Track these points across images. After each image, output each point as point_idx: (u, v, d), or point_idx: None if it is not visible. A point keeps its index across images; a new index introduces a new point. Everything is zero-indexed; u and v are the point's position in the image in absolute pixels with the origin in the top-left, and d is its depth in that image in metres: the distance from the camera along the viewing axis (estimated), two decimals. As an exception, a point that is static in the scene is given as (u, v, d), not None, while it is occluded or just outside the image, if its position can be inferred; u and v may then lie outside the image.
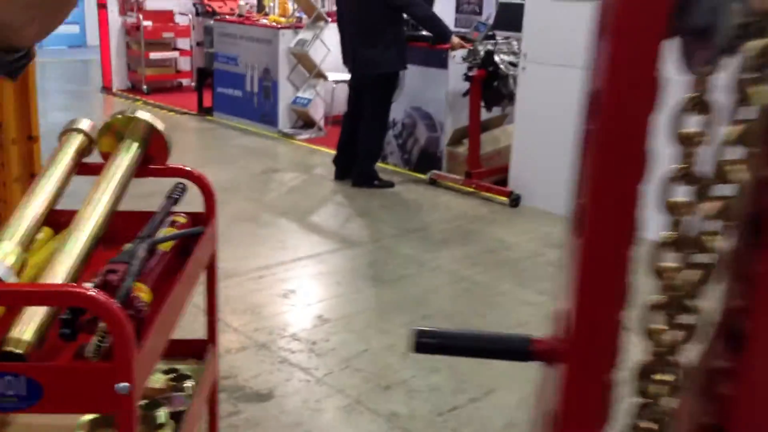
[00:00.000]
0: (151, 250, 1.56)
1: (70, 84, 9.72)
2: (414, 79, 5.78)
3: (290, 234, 4.86)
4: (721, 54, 0.56)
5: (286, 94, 6.99)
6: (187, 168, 1.81)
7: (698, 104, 0.61)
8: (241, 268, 4.21)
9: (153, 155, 1.79)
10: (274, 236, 4.77)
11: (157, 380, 1.82)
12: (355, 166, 5.55)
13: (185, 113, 7.92)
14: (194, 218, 1.81)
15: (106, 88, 8.84)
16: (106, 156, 1.75)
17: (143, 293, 1.39)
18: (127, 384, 1.17)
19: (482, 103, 5.38)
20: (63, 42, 12.53)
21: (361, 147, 5.47)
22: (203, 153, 6.91)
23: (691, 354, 0.68)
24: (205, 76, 7.75)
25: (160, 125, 1.78)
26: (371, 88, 5.30)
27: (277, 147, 6.90)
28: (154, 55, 8.51)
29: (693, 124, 0.61)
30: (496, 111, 5.66)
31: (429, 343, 0.74)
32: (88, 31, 11.28)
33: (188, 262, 1.55)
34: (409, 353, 3.38)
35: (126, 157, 1.70)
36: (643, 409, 0.71)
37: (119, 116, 1.76)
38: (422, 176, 5.84)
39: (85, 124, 1.77)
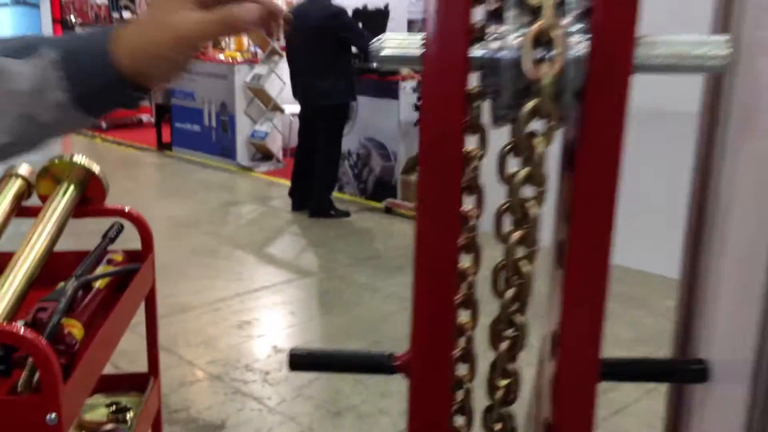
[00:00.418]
0: (86, 288, 1.64)
1: (28, 123, 9.73)
2: (366, 110, 5.92)
3: (247, 266, 4.94)
4: (509, 110, 0.68)
5: (243, 128, 7.09)
6: (124, 208, 1.90)
7: (514, 147, 0.73)
8: (197, 301, 4.28)
9: (91, 196, 1.88)
10: (231, 268, 4.84)
11: (99, 413, 1.89)
12: (312, 197, 5.66)
13: (145, 149, 7.98)
14: (131, 256, 1.90)
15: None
16: (45, 198, 1.83)
17: (75, 329, 1.48)
18: (55, 415, 1.25)
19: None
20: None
21: (316, 178, 5.58)
22: (163, 188, 6.97)
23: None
24: (163, 112, 7.83)
25: (96, 168, 1.86)
26: (323, 119, 5.42)
27: (236, 180, 6.98)
28: (112, 93, 8.58)
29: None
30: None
31: (302, 361, 0.84)
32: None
33: (121, 298, 1.63)
34: (361, 380, 3.47)
35: (63, 199, 1.79)
36: (489, 411, 0.82)
37: (56, 160, 1.85)
38: (378, 204, 5.96)
39: (23, 169, 1.85)
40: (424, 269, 0.75)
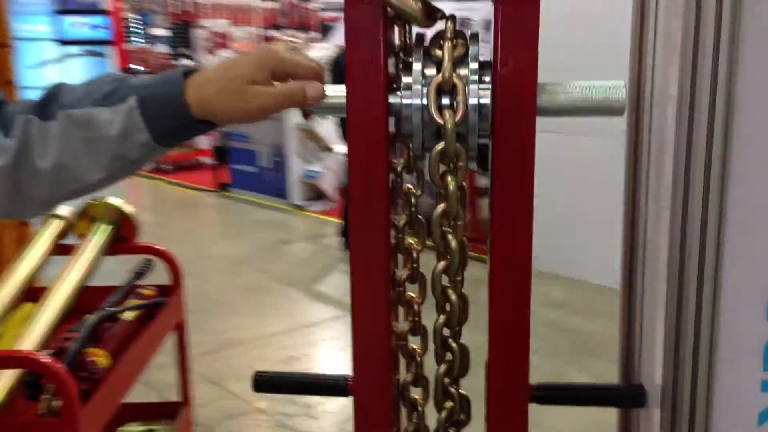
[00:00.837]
0: (114, 319, 1.77)
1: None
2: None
3: (297, 303, 5.05)
4: (424, 151, 0.76)
5: (296, 168, 7.29)
6: (153, 245, 2.03)
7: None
8: (247, 336, 4.40)
9: (124, 235, 2.02)
10: (282, 305, 4.96)
11: (132, 433, 2.01)
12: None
13: (205, 190, 8.26)
14: (163, 290, 2.02)
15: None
16: (83, 237, 1.98)
17: (100, 357, 1.60)
18: (73, 435, 1.36)
19: (479, 170, 5.58)
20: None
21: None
22: (219, 227, 7.20)
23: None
24: (222, 154, 8.11)
25: (128, 209, 2.01)
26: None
27: (289, 219, 7.16)
28: (175, 136, 8.94)
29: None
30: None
31: (266, 382, 0.93)
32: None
33: (145, 330, 1.75)
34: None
35: (97, 238, 1.93)
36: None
37: (93, 202, 2.00)
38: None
39: (64, 210, 2.01)
40: (359, 302, 0.82)
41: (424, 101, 0.73)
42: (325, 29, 8.78)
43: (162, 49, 9.42)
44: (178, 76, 0.84)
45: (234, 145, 7.85)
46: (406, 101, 0.75)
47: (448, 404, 0.88)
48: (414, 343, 0.92)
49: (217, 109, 0.82)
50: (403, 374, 0.92)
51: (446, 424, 0.88)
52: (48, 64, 12.73)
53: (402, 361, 0.92)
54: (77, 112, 0.81)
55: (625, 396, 0.83)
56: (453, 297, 0.81)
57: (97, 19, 12.43)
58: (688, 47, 0.73)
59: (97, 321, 1.61)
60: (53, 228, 1.97)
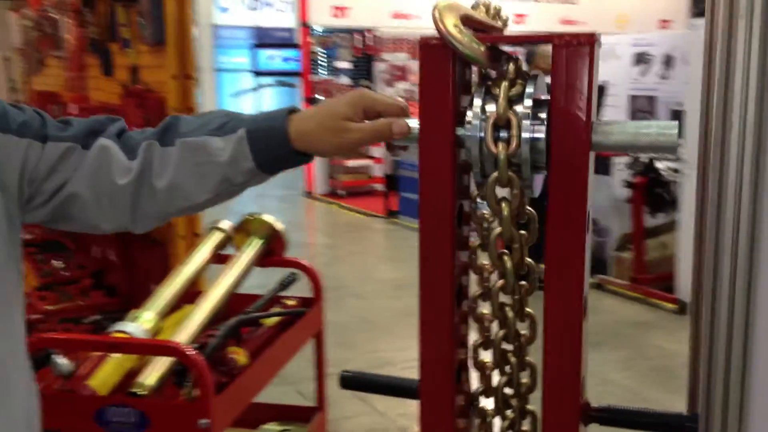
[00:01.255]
0: (256, 324, 1.96)
1: (280, 189, 10.88)
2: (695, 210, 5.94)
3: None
4: (484, 179, 0.84)
5: (462, 198, 7.41)
6: (298, 260, 2.22)
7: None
8: (400, 358, 4.54)
9: (274, 249, 2.22)
10: (434, 331, 5.06)
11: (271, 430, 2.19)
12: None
13: (374, 216, 8.58)
14: (305, 302, 2.20)
15: (309, 193, 9.82)
16: (238, 249, 2.21)
17: (239, 356, 1.78)
18: (207, 420, 1.54)
19: (647, 209, 5.42)
20: (280, 151, 14.04)
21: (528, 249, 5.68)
22: (385, 252, 7.44)
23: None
24: (392, 182, 8.40)
25: (279, 226, 2.21)
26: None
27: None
28: (351, 163, 9.37)
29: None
30: (666, 217, 5.64)
31: (350, 380, 1.04)
32: (300, 142, 12.57)
33: (281, 335, 1.92)
34: None
35: (250, 250, 2.14)
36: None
37: (250, 218, 2.22)
38: (590, 280, 5.89)
39: (224, 224, 2.24)
40: (426, 315, 0.91)
41: (482, 134, 0.82)
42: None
43: (344, 80, 9.93)
44: (283, 113, 0.97)
45: (404, 174, 8.11)
46: (468, 133, 0.84)
47: (510, 414, 0.94)
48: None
49: (315, 141, 0.95)
50: (476, 385, 0.99)
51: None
52: (245, 93, 13.83)
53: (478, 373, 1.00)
54: (193, 139, 0.97)
55: (676, 425, 0.85)
56: (510, 313, 0.88)
57: (289, 53, 13.36)
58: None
59: (238, 323, 1.80)
60: (215, 239, 2.20)
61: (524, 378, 0.95)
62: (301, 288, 2.28)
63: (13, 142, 0.96)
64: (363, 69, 10.02)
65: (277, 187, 11.07)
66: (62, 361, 1.66)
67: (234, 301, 2.03)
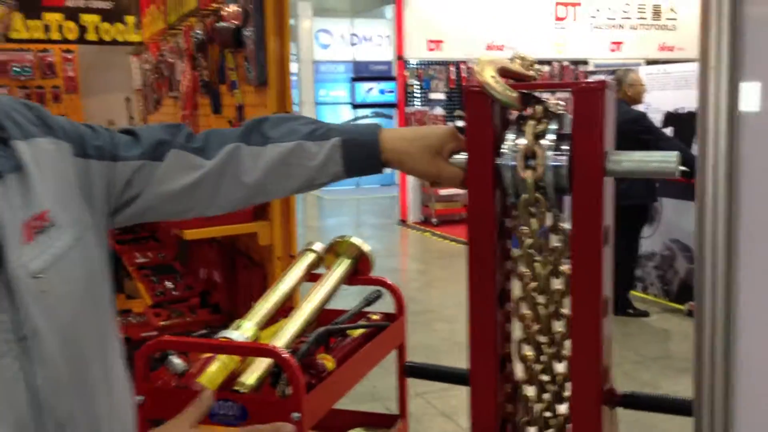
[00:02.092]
0: (343, 334, 2.18)
1: (375, 217, 11.21)
2: (671, 212, 5.93)
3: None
4: (516, 200, 1.03)
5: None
6: (384, 279, 2.42)
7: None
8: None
9: (361, 269, 2.43)
10: (522, 356, 5.17)
11: (355, 438, 2.39)
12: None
13: (466, 243, 8.73)
14: (388, 317, 2.40)
15: (403, 221, 10.09)
16: (328, 268, 2.44)
17: (327, 361, 2.00)
18: (298, 414, 1.76)
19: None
20: (377, 181, 14.42)
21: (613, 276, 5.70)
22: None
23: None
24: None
25: (366, 248, 2.42)
26: (621, 219, 5.53)
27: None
28: (443, 192, 9.59)
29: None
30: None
31: (413, 370, 1.23)
32: (395, 171, 12.91)
33: (365, 346, 2.13)
34: None
35: (339, 269, 2.37)
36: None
37: (339, 240, 2.45)
38: (680, 307, 5.85)
39: (317, 246, 2.48)
40: (474, 314, 1.10)
41: (514, 163, 1.01)
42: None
43: (439, 111, 10.19)
44: (374, 128, 1.14)
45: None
46: (504, 162, 1.03)
47: (547, 398, 1.12)
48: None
49: (406, 161, 1.12)
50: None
51: (542, 415, 1.11)
52: (342, 125, 14.30)
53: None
54: (286, 144, 1.12)
55: (685, 409, 1.00)
56: (543, 311, 1.06)
57: (385, 85, 13.76)
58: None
59: (326, 332, 2.02)
60: (308, 260, 2.44)
61: (561, 369, 1.12)
62: (386, 305, 2.49)
63: (95, 166, 1.05)
64: (457, 100, 10.25)
65: (372, 216, 11.41)
66: (177, 361, 1.92)
67: (323, 315, 2.26)
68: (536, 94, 1.05)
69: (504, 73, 1.04)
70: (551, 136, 1.00)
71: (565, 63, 10.94)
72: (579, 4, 11.03)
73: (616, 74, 5.87)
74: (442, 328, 5.54)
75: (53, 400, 0.92)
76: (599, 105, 0.97)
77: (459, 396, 4.37)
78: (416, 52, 10.11)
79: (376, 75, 14.30)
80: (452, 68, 10.27)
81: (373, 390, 3.98)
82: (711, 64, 0.84)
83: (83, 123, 1.08)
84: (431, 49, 10.20)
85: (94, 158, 1.05)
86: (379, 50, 14.43)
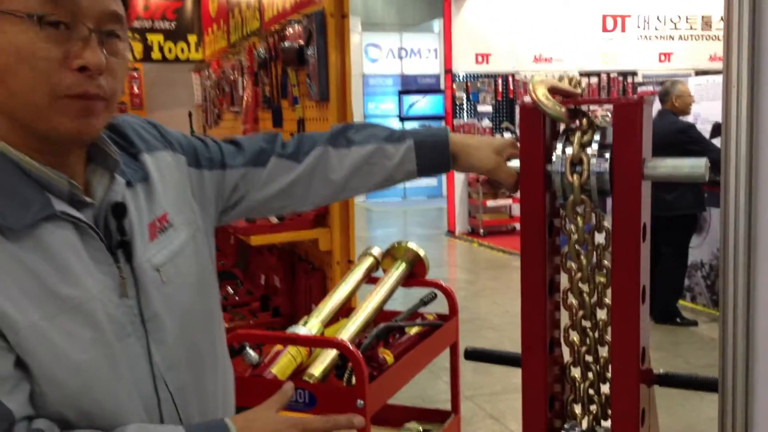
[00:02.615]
0: (401, 332, 2.34)
1: (423, 228, 11.35)
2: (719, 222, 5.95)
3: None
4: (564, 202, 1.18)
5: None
6: (439, 281, 2.58)
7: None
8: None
9: (417, 272, 2.60)
10: (569, 363, 5.25)
11: (413, 428, 2.55)
12: (657, 303, 5.83)
13: (513, 254, 8.82)
14: (442, 317, 2.56)
15: (450, 232, 10.22)
16: (386, 271, 2.60)
17: (387, 356, 2.17)
18: (362, 402, 1.92)
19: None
20: (423, 193, 14.58)
21: (661, 286, 5.75)
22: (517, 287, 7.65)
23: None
24: (532, 221, 8.61)
25: (421, 252, 2.58)
26: (670, 229, 5.60)
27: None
28: (490, 203, 9.70)
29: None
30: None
31: (473, 353, 1.38)
32: (442, 183, 13.09)
33: (421, 343, 2.29)
34: None
35: (396, 273, 2.53)
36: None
37: (396, 245, 2.61)
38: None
39: (375, 251, 2.65)
40: (525, 302, 1.25)
41: (562, 169, 1.16)
42: (640, 103, 8.93)
43: (486, 123, 10.31)
44: (444, 132, 1.32)
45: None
46: (554, 169, 1.18)
47: (591, 377, 1.26)
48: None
49: (472, 153, 1.30)
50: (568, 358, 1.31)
51: (586, 394, 1.25)
52: (390, 137, 14.50)
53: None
54: (369, 146, 1.30)
55: (713, 386, 1.13)
56: (586, 299, 1.20)
57: (433, 98, 13.93)
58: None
59: (386, 327, 2.19)
60: (366, 263, 2.61)
61: (603, 352, 1.26)
62: (440, 307, 2.64)
63: (207, 175, 1.21)
64: (504, 112, 10.36)
65: (420, 227, 11.56)
66: (252, 353, 2.11)
67: (381, 315, 2.42)
68: (582, 108, 1.20)
69: (553, 91, 1.19)
70: (595, 146, 1.15)
71: (613, 74, 10.96)
72: (628, 16, 11.05)
73: (664, 85, 5.93)
74: (490, 336, 5.66)
75: (168, 375, 1.08)
76: (637, 118, 1.12)
77: (508, 400, 4.49)
78: (464, 65, 10.26)
79: (423, 88, 14.48)
80: (500, 81, 10.38)
81: (423, 394, 4.13)
82: (733, 83, 0.99)
83: (195, 136, 1.27)
84: (479, 62, 10.33)
85: (205, 168, 1.22)
86: (426, 63, 14.62)
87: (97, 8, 0.95)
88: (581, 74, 10.90)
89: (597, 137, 1.16)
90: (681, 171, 1.12)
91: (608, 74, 10.98)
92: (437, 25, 14.02)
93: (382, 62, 14.47)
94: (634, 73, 10.97)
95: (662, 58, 11.19)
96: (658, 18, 11.10)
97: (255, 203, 1.30)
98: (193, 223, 1.17)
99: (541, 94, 1.16)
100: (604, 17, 10.92)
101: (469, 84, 10.33)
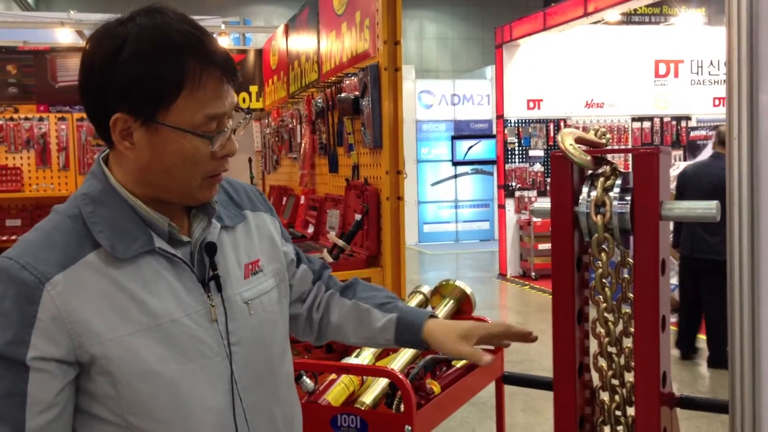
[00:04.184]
0: (448, 365, 2.47)
1: (474, 271, 11.43)
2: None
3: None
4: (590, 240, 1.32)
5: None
6: (485, 318, 2.70)
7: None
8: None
9: (464, 309, 2.73)
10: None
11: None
12: (711, 348, 5.79)
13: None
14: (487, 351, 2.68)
15: (502, 275, 10.28)
16: (433, 308, 2.75)
17: (434, 386, 2.30)
18: (410, 427, 2.06)
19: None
20: (476, 236, 14.67)
21: (710, 334, 5.73)
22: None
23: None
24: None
25: (468, 290, 2.72)
26: (711, 273, 5.55)
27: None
28: (542, 246, 9.74)
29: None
30: None
31: (509, 378, 1.52)
32: (494, 227, 13.18)
33: (467, 375, 2.41)
34: None
35: (444, 309, 2.67)
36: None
37: (444, 283, 2.76)
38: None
39: (425, 288, 2.80)
40: (556, 331, 1.39)
41: (588, 210, 1.31)
42: (692, 147, 8.95)
43: (538, 168, 10.42)
44: (425, 315, 1.46)
45: (595, 257, 8.33)
46: (580, 210, 1.33)
47: (617, 400, 1.38)
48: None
49: (438, 344, 1.43)
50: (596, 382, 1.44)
51: (614, 415, 1.38)
52: (444, 182, 14.70)
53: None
54: (364, 305, 1.49)
55: (711, 406, 1.24)
56: (611, 327, 1.34)
57: (485, 143, 14.10)
58: None
59: (433, 360, 2.33)
60: (416, 300, 2.76)
61: (630, 377, 1.39)
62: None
63: (287, 248, 1.45)
64: (555, 157, 10.43)
65: (471, 270, 11.64)
66: (308, 381, 2.27)
67: (430, 350, 2.56)
68: (607, 156, 1.35)
69: (580, 141, 1.35)
70: (617, 190, 1.29)
71: (667, 119, 10.98)
72: (681, 61, 11.10)
73: (718, 129, 5.98)
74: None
75: (244, 393, 1.25)
76: (654, 165, 1.27)
77: None
78: (515, 110, 10.42)
79: (476, 133, 14.68)
80: (551, 126, 10.51)
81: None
82: (734, 135, 1.13)
83: None
84: (530, 108, 10.50)
85: (285, 240, 1.46)
86: (479, 109, 14.83)
87: (231, 108, 1.19)
88: (634, 119, 10.97)
89: (619, 181, 1.30)
90: (694, 212, 1.26)
91: (661, 119, 11.00)
92: (489, 71, 14.26)
93: (435, 108, 14.73)
94: (688, 118, 10.97)
95: (716, 102, 11.17)
96: (711, 63, 11.12)
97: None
98: (280, 275, 1.38)
99: (569, 144, 1.32)
100: (657, 62, 10.99)
101: (520, 129, 10.48)
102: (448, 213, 14.79)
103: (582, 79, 10.59)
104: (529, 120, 10.51)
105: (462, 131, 14.71)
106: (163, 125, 1.12)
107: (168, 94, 1.11)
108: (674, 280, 7.38)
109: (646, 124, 11.03)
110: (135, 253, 1.15)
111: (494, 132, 11.33)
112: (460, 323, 1.45)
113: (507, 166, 10.41)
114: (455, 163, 14.54)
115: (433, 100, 14.70)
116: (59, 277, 1.10)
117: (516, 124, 10.46)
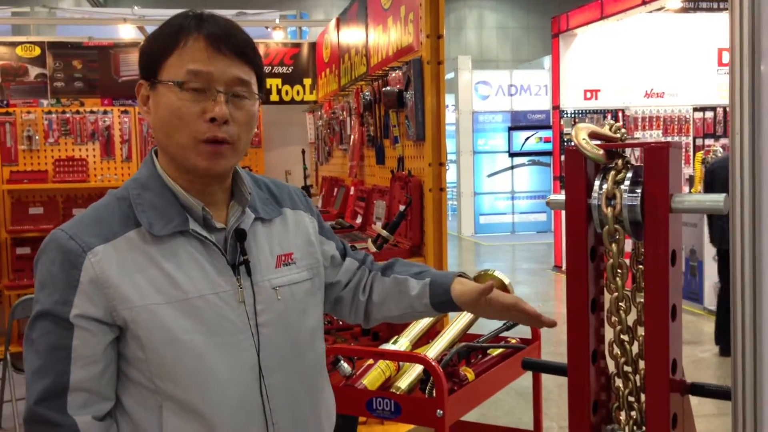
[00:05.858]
0: (484, 353, 2.53)
1: (530, 263, 11.38)
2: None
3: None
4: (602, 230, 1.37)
5: (711, 274, 7.36)
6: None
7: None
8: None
9: (502, 299, 2.78)
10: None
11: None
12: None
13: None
14: (524, 341, 2.72)
15: (557, 267, 10.22)
16: (474, 298, 2.80)
17: (468, 373, 2.37)
18: (441, 411, 2.13)
19: None
20: (533, 228, 14.58)
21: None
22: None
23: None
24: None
25: (506, 280, 2.76)
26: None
27: (701, 324, 7.23)
28: (598, 239, 9.66)
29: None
30: None
31: (529, 364, 1.57)
32: (551, 218, 13.07)
33: (501, 363, 2.47)
34: None
35: (482, 298, 2.73)
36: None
37: (482, 273, 2.81)
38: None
39: (464, 278, 2.86)
40: (571, 318, 1.44)
41: (599, 202, 1.35)
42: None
43: (594, 159, 10.31)
44: (452, 275, 1.55)
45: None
46: (592, 202, 1.37)
47: (630, 386, 1.43)
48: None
49: (466, 306, 1.52)
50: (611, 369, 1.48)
51: (627, 401, 1.42)
52: (500, 173, 14.64)
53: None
54: (401, 277, 1.58)
55: (720, 393, 1.27)
56: (623, 315, 1.38)
57: (542, 133, 13.98)
58: None
59: (467, 347, 2.39)
60: (455, 289, 2.83)
61: (642, 364, 1.43)
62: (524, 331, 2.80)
63: (327, 245, 1.56)
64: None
65: (527, 262, 11.59)
66: (345, 365, 2.36)
67: (466, 338, 2.63)
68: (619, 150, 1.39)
69: (594, 135, 1.39)
70: (627, 182, 1.34)
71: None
72: (746, 49, 10.79)
73: None
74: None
75: (267, 371, 1.34)
76: (664, 159, 1.30)
77: None
78: (572, 101, 10.32)
79: (533, 124, 14.56)
80: (609, 116, 10.36)
81: (518, 422, 4.24)
82: (737, 130, 1.16)
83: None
84: (587, 98, 10.37)
85: (323, 236, 1.55)
86: (536, 100, 14.71)
87: (226, 76, 1.28)
88: (696, 109, 10.73)
89: (630, 175, 1.35)
90: (703, 205, 1.29)
91: (724, 108, 10.73)
92: (547, 61, 14.12)
93: (492, 99, 14.66)
94: (752, 107, 10.67)
95: None
96: (777, 50, 10.77)
97: (332, 295, 1.63)
98: (314, 269, 1.48)
99: (581, 138, 1.36)
100: (720, 51, 10.71)
101: (577, 119, 10.37)
102: (505, 204, 14.74)
103: (641, 68, 10.41)
104: (585, 110, 10.38)
105: (519, 122, 14.61)
106: (159, 82, 1.28)
107: (163, 55, 1.28)
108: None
109: (709, 114, 10.78)
110: (170, 231, 1.28)
111: (551, 123, 11.24)
112: (479, 286, 1.53)
113: (563, 158, 10.33)
114: (512, 155, 14.46)
115: (490, 90, 14.64)
116: (100, 248, 1.25)
117: (573, 115, 10.35)
